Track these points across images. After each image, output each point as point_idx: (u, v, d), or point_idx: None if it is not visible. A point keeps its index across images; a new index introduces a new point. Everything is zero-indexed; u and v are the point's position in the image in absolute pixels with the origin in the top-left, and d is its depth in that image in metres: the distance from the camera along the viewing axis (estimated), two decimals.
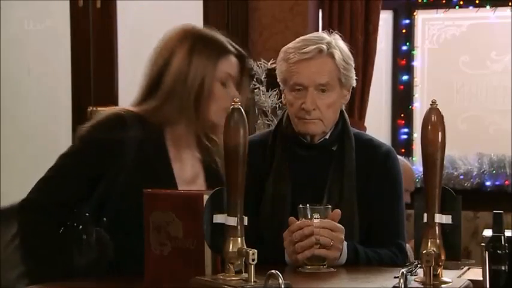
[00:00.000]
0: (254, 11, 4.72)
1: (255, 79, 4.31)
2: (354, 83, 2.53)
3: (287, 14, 4.69)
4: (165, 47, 2.32)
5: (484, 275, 1.93)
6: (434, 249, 1.84)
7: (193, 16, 4.44)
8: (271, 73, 4.10)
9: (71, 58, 4.96)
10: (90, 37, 4.90)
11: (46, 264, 2.18)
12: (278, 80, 2.52)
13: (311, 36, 2.50)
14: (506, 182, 4.74)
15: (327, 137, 2.50)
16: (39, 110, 5.10)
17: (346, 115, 2.55)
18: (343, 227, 2.25)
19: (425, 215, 1.87)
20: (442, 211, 1.87)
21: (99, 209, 2.24)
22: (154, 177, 2.25)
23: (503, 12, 4.91)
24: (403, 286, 1.81)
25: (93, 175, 2.24)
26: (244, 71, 2.36)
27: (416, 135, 4.98)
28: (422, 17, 5.13)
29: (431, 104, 1.90)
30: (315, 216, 2.22)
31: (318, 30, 4.57)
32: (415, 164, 4.78)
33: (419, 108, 5.06)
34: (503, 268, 1.90)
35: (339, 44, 2.48)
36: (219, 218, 1.88)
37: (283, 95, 2.54)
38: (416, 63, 5.12)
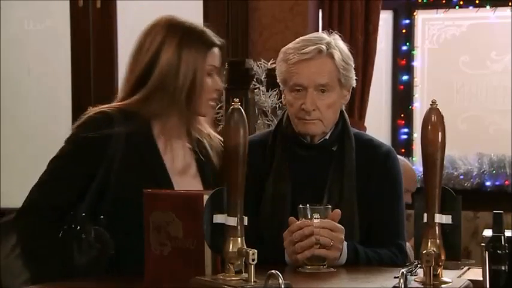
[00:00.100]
0: (254, 11, 4.72)
1: (255, 79, 4.31)
2: (354, 83, 2.53)
3: (287, 14, 4.69)
4: (152, 40, 2.32)
5: (484, 275, 1.93)
6: (434, 249, 1.84)
7: (193, 16, 4.43)
8: (271, 73, 4.10)
9: (71, 58, 4.97)
10: (90, 37, 4.90)
11: (48, 266, 2.18)
12: (278, 81, 2.52)
13: (311, 37, 2.50)
14: (506, 182, 4.74)
15: (327, 137, 2.50)
16: (39, 110, 5.10)
17: (346, 115, 2.55)
18: (343, 227, 2.25)
19: (425, 215, 1.87)
20: (442, 211, 1.87)
21: (96, 207, 2.24)
22: (146, 170, 2.26)
23: (503, 12, 4.91)
24: (403, 286, 1.81)
25: (85, 174, 2.25)
26: (222, 60, 2.39)
27: (416, 135, 4.98)
28: (422, 17, 5.13)
29: (431, 104, 1.90)
30: (315, 216, 2.21)
31: (318, 30, 4.57)
32: (415, 164, 4.78)
33: (419, 108, 5.06)
34: (503, 268, 1.90)
35: (338, 44, 2.48)
36: (219, 218, 1.88)
37: (283, 95, 2.54)
38: (416, 63, 5.12)
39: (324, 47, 2.43)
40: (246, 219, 1.88)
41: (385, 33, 5.08)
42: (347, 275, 2.21)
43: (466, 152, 4.84)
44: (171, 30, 2.32)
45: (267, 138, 2.56)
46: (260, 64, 4.36)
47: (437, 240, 1.85)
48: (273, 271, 1.77)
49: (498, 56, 5.00)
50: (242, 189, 1.88)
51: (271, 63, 4.18)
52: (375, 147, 2.53)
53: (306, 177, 2.46)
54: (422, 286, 1.84)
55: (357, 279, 2.16)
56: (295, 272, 2.20)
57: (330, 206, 2.27)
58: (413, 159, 4.98)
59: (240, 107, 1.90)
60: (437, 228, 1.86)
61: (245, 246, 1.86)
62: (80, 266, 2.17)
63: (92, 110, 2.32)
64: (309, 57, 2.42)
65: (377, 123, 5.03)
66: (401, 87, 5.12)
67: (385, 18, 5.04)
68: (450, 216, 1.88)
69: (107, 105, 2.34)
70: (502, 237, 1.91)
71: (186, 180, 2.33)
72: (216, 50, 2.35)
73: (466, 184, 4.77)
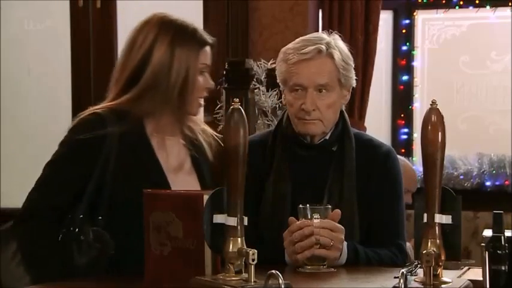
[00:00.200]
0: (254, 11, 4.72)
1: (255, 79, 4.30)
2: (354, 83, 2.53)
3: (287, 14, 4.69)
4: (144, 38, 2.31)
5: (484, 275, 1.93)
6: (434, 249, 1.84)
7: (193, 16, 4.43)
8: (271, 73, 4.09)
9: (71, 58, 4.96)
10: (90, 37, 4.90)
11: (49, 268, 2.18)
12: (278, 81, 2.52)
13: (310, 37, 2.50)
14: (506, 182, 4.74)
15: (327, 137, 2.50)
16: (39, 110, 5.10)
17: (346, 115, 2.55)
18: (343, 227, 2.25)
19: (425, 215, 1.87)
20: (442, 211, 1.87)
21: (94, 208, 2.24)
22: (141, 169, 2.26)
23: (503, 12, 4.91)
24: (403, 286, 1.81)
25: (81, 175, 2.24)
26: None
27: (416, 135, 4.98)
28: (422, 17, 5.13)
29: (431, 104, 1.90)
30: (315, 216, 2.21)
31: (318, 30, 4.57)
32: (415, 164, 4.78)
33: (419, 108, 5.06)
34: (503, 268, 1.90)
35: (338, 44, 2.47)
36: (219, 218, 1.88)
37: (283, 96, 2.54)
38: (416, 63, 5.12)
39: (323, 47, 2.43)
40: (246, 219, 1.88)
41: (385, 33, 5.08)
42: (347, 275, 2.21)
43: (466, 152, 4.84)
44: (164, 28, 2.31)
45: (267, 138, 2.56)
46: (260, 64, 4.36)
47: (437, 240, 1.85)
48: (273, 271, 1.77)
49: (498, 56, 5.00)
50: (242, 189, 1.88)
51: (271, 63, 4.17)
52: (375, 147, 2.53)
53: (306, 177, 2.46)
54: (422, 286, 1.84)
55: (357, 279, 2.16)
56: (295, 272, 2.20)
57: (330, 206, 2.27)
58: (413, 159, 4.98)
59: (240, 107, 1.90)
60: (437, 228, 1.86)
61: (245, 246, 1.86)
62: (80, 267, 2.17)
63: (83, 112, 2.32)
64: (309, 57, 2.42)
65: (377, 123, 5.03)
66: (401, 87, 5.12)
67: (385, 18, 5.04)
68: (450, 216, 1.88)
69: (98, 106, 2.33)
70: (502, 237, 1.91)
71: (182, 177, 2.34)
72: (208, 48, 2.35)
73: (466, 184, 4.77)
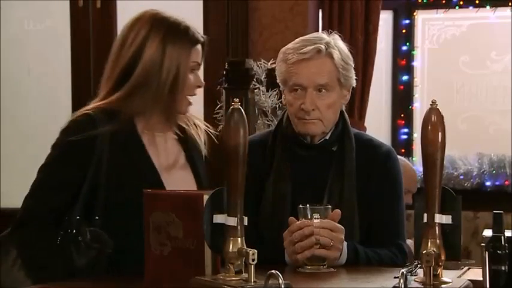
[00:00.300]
0: (254, 11, 4.72)
1: (255, 79, 4.30)
2: (354, 83, 2.53)
3: (287, 14, 4.69)
4: (135, 35, 2.30)
5: (484, 275, 1.93)
6: (434, 249, 1.84)
7: (193, 16, 4.44)
8: (271, 73, 4.09)
9: (71, 58, 4.97)
10: (90, 37, 4.90)
11: (49, 270, 2.17)
12: (278, 81, 2.52)
13: (310, 37, 2.50)
14: (506, 182, 4.74)
15: (327, 137, 2.50)
16: (39, 110, 5.10)
17: (346, 115, 2.55)
18: (343, 227, 2.25)
19: (425, 215, 1.87)
20: (442, 211, 1.87)
21: (90, 209, 2.24)
22: (133, 167, 2.26)
23: (503, 12, 4.91)
24: (403, 286, 1.81)
25: (76, 176, 2.24)
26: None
27: (416, 135, 4.98)
28: (422, 17, 5.13)
29: (431, 104, 1.90)
30: (315, 216, 2.21)
31: (318, 30, 4.57)
32: (415, 164, 4.77)
33: (419, 108, 5.06)
34: (503, 268, 1.90)
35: (338, 44, 2.47)
36: (219, 218, 1.88)
37: (283, 96, 2.55)
38: (416, 63, 5.11)
39: (323, 46, 2.43)
40: (246, 219, 1.88)
41: (385, 33, 5.08)
42: (347, 275, 2.21)
43: (466, 152, 4.84)
44: (156, 25, 2.30)
45: (267, 138, 2.56)
46: (260, 64, 4.36)
47: (437, 240, 1.85)
48: (273, 271, 1.77)
49: (498, 56, 5.00)
50: (242, 189, 1.88)
51: (271, 63, 4.17)
52: (375, 147, 2.53)
53: (306, 177, 2.46)
54: (422, 286, 1.84)
55: (357, 279, 2.16)
56: (295, 272, 2.20)
57: (330, 206, 2.27)
58: (413, 159, 4.97)
59: (240, 107, 1.90)
60: (437, 228, 1.86)
61: (245, 246, 1.86)
62: (80, 268, 2.17)
63: (75, 114, 2.32)
64: (308, 57, 2.42)
65: (377, 123, 5.03)
66: (401, 87, 5.11)
67: (385, 18, 5.04)
68: (450, 216, 1.88)
69: (89, 106, 2.33)
70: (502, 237, 1.91)
71: (175, 173, 2.33)
72: (199, 46, 2.34)
73: (466, 184, 4.77)
